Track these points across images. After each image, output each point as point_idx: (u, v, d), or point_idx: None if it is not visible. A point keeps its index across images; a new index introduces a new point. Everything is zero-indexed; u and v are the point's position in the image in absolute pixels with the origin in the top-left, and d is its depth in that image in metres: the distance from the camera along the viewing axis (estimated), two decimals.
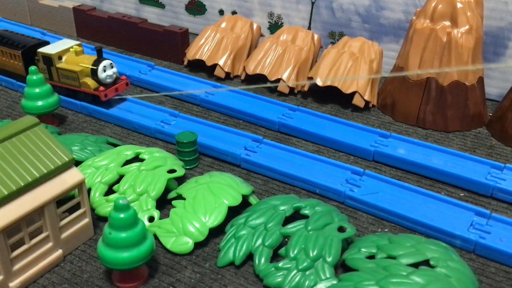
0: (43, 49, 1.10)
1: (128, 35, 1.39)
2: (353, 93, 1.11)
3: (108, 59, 1.07)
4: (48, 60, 1.09)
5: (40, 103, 1.01)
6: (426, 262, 0.68)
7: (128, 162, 0.88)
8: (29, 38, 1.20)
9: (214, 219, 0.77)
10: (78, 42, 1.12)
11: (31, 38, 1.19)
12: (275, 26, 1.38)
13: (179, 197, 0.82)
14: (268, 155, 0.95)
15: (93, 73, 1.06)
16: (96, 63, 1.06)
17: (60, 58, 1.09)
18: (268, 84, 1.14)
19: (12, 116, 1.11)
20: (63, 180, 0.72)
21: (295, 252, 0.71)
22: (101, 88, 1.07)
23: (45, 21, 1.56)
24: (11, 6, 1.61)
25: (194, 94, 1.15)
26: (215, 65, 1.26)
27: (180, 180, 0.88)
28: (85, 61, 1.07)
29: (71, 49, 1.10)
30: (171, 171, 0.86)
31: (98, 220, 0.82)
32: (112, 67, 1.07)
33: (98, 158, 0.88)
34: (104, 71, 1.06)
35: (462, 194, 0.88)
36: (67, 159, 0.73)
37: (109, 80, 1.08)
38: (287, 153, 0.96)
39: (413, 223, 0.80)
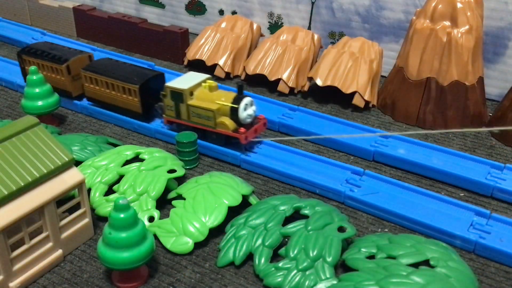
0: (172, 84, 0.97)
1: (128, 35, 1.39)
2: (353, 93, 1.11)
3: (249, 96, 0.94)
4: (178, 96, 0.96)
5: (40, 103, 1.01)
6: (426, 262, 0.68)
7: (128, 162, 0.88)
8: (141, 68, 1.08)
9: (214, 219, 0.77)
10: (208, 76, 1.00)
11: (145, 69, 1.07)
12: (275, 26, 1.38)
13: (179, 197, 0.82)
14: (268, 155, 0.95)
15: (233, 112, 0.92)
16: (237, 100, 0.92)
17: (191, 94, 0.96)
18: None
19: (12, 116, 1.11)
20: (63, 180, 0.72)
21: (295, 252, 0.71)
22: (242, 129, 0.92)
23: (45, 21, 1.56)
24: (11, 6, 1.61)
25: None
26: (215, 65, 1.26)
27: (180, 180, 0.88)
28: (222, 98, 0.94)
29: (203, 84, 0.97)
30: (171, 171, 0.86)
31: (98, 220, 0.82)
32: (251, 105, 0.94)
33: (98, 158, 0.88)
34: (245, 109, 0.92)
35: (462, 194, 0.88)
36: (67, 159, 0.73)
37: (248, 120, 0.94)
38: (287, 153, 0.96)
39: (413, 223, 0.80)
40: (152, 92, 1.02)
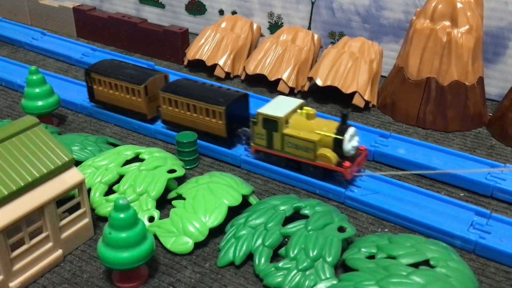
0: (265, 110, 0.88)
1: (128, 35, 1.39)
2: (353, 93, 1.11)
3: (352, 125, 0.86)
4: (273, 124, 0.87)
5: (40, 103, 1.01)
6: (426, 262, 0.68)
7: (128, 162, 0.88)
8: (224, 89, 0.98)
9: (214, 219, 0.77)
10: (303, 101, 0.91)
11: (228, 90, 0.98)
12: (275, 26, 1.38)
13: (179, 197, 0.82)
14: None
15: (337, 144, 0.84)
16: (341, 131, 0.84)
17: (287, 121, 0.87)
18: None
19: (12, 116, 1.11)
20: (63, 180, 0.72)
21: (295, 252, 0.71)
22: (346, 163, 0.84)
23: (45, 21, 1.56)
24: (11, 6, 1.61)
25: None
26: (215, 65, 1.26)
27: (180, 180, 0.88)
28: (324, 128, 0.85)
29: (299, 111, 0.89)
30: (171, 171, 0.86)
31: (98, 220, 0.82)
32: (355, 135, 0.86)
33: (98, 158, 0.88)
34: (349, 141, 0.84)
35: (462, 194, 0.88)
36: (67, 159, 0.73)
37: (352, 153, 0.85)
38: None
39: (413, 223, 0.80)
40: (237, 114, 0.95)
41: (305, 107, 0.88)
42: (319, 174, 0.87)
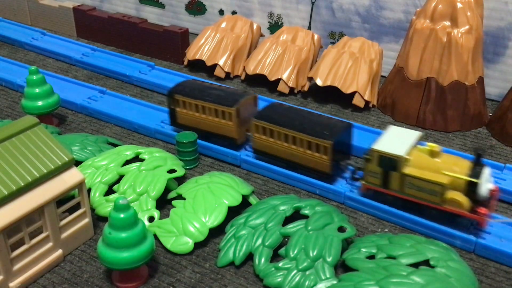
0: (382, 147, 0.79)
1: (128, 35, 1.39)
2: (353, 93, 1.11)
3: (486, 164, 0.77)
4: (391, 163, 0.78)
5: (40, 103, 1.01)
6: (426, 262, 0.68)
7: (128, 162, 0.88)
8: (327, 119, 0.89)
9: (214, 219, 0.77)
10: (421, 133, 0.83)
11: (331, 120, 0.89)
12: (275, 26, 1.38)
13: (179, 197, 0.82)
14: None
15: (471, 188, 0.74)
16: (476, 172, 0.74)
17: (407, 160, 0.78)
18: None
19: (12, 116, 1.11)
20: (63, 180, 0.72)
21: (295, 252, 0.71)
22: (481, 209, 0.74)
23: (45, 21, 1.56)
24: (11, 6, 1.61)
25: None
26: (215, 65, 1.26)
27: (180, 180, 0.88)
28: (454, 168, 0.76)
29: (421, 147, 0.80)
30: (171, 171, 0.86)
31: (98, 220, 0.82)
32: (490, 176, 0.76)
33: (98, 158, 0.88)
34: (484, 184, 0.75)
35: None
36: (67, 159, 0.73)
37: (486, 197, 0.75)
38: None
39: (413, 223, 0.80)
40: (342, 147, 0.88)
41: (429, 143, 0.78)
42: (444, 219, 0.78)
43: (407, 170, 0.77)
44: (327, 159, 0.84)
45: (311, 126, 0.86)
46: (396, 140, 0.80)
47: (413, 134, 0.82)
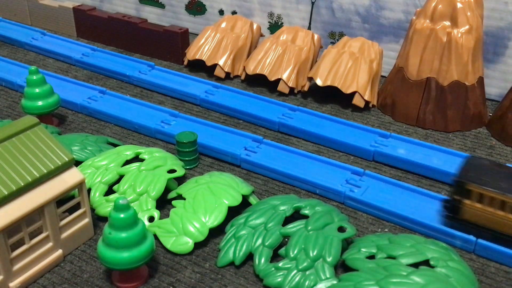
0: None
1: (128, 35, 1.39)
2: (353, 93, 1.11)
3: None
4: None
5: (40, 103, 1.01)
6: (426, 262, 0.68)
7: (128, 162, 0.88)
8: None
9: (214, 219, 0.77)
10: None
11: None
12: (275, 26, 1.38)
13: (179, 197, 0.82)
14: (268, 155, 0.95)
15: None
16: None
17: None
18: None
19: (12, 116, 1.11)
20: (63, 180, 0.72)
21: (295, 252, 0.71)
22: None
23: (45, 21, 1.56)
24: (11, 6, 1.61)
25: (193, 93, 1.15)
26: (215, 65, 1.26)
27: (180, 180, 0.88)
28: None
29: None
30: (171, 171, 0.86)
31: (98, 220, 0.82)
32: None
33: (98, 158, 0.88)
34: None
35: None
36: (67, 159, 0.73)
37: None
38: (287, 153, 0.96)
39: (413, 223, 0.80)
40: None
41: None
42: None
43: None
44: None
45: None
46: None
47: None
